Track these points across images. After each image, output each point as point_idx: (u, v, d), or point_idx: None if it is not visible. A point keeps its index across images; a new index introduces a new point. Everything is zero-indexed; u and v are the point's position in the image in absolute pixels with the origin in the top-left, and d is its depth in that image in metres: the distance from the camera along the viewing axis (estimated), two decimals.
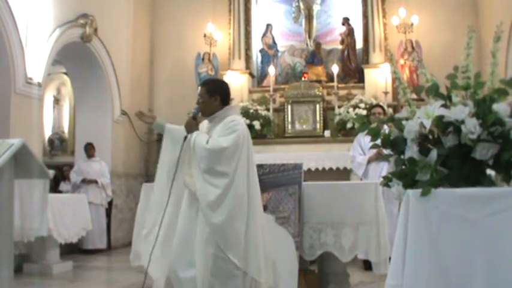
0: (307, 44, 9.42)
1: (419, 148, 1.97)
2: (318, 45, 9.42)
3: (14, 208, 3.53)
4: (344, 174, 7.64)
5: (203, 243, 3.21)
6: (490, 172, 1.97)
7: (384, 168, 5.33)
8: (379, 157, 5.32)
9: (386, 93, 8.36)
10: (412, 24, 8.74)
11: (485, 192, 1.84)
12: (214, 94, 3.46)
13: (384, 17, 8.99)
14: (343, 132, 8.39)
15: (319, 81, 9.00)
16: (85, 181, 7.96)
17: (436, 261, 1.81)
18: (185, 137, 3.38)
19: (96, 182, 7.93)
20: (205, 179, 3.22)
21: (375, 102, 7.91)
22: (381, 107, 6.15)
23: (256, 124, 8.55)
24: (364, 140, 5.66)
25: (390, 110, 8.02)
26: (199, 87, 3.58)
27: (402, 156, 2.03)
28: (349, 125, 8.27)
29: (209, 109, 3.46)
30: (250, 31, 9.57)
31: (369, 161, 5.63)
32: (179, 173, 3.37)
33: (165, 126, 3.60)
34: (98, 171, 8.05)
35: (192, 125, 3.40)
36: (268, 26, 9.71)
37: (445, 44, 8.67)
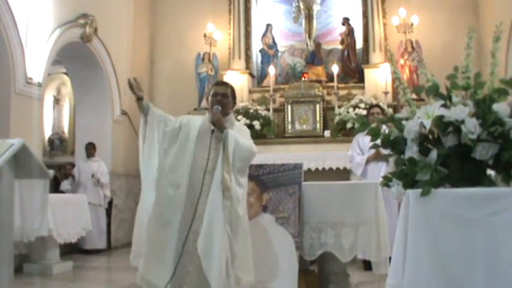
0: (307, 44, 9.42)
1: (419, 148, 1.97)
2: (318, 45, 9.42)
3: (14, 208, 3.53)
4: (344, 174, 7.63)
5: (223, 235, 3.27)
6: (490, 172, 1.97)
7: (382, 168, 5.34)
8: (377, 157, 5.33)
9: (386, 93, 8.36)
10: (412, 24, 8.73)
11: (485, 192, 1.84)
12: (234, 99, 3.61)
13: (383, 17, 8.99)
14: (343, 132, 8.38)
15: (319, 81, 8.99)
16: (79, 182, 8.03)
17: (436, 261, 1.81)
18: (212, 130, 3.34)
19: (95, 178, 7.91)
20: (236, 178, 3.31)
21: (374, 102, 7.90)
22: (380, 106, 6.16)
23: (256, 124, 8.55)
24: (362, 139, 5.66)
25: (390, 110, 8.02)
26: (220, 86, 3.58)
27: (402, 156, 2.03)
28: (349, 125, 8.27)
29: (227, 111, 3.50)
30: (250, 31, 9.56)
31: (368, 161, 5.63)
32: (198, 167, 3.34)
33: (150, 106, 3.48)
34: (96, 171, 8.04)
35: (223, 121, 3.37)
36: (268, 26, 9.71)
37: (445, 44, 8.66)
